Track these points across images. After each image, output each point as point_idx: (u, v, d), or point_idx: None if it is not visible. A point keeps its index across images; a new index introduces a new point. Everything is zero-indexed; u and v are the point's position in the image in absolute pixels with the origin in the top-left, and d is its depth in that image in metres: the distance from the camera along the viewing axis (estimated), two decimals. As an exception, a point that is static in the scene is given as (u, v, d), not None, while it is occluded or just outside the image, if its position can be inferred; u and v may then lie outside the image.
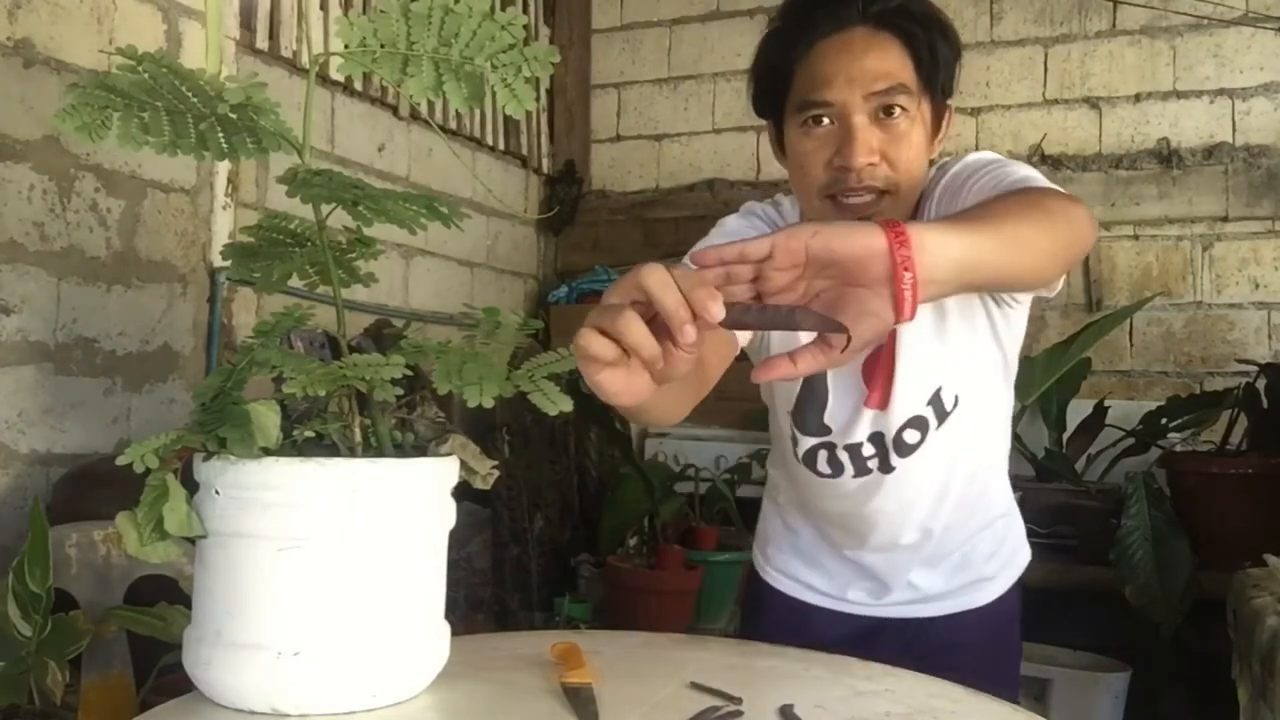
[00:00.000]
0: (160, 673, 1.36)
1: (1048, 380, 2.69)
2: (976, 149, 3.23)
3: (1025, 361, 2.80)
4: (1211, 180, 3.01)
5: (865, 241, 0.74)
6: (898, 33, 1.12)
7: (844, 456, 1.32)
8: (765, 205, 1.35)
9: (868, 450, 1.31)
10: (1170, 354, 3.07)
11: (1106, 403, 2.86)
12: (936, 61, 1.14)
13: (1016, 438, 2.82)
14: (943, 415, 1.29)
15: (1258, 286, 2.99)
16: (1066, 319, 3.14)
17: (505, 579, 2.90)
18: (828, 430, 1.32)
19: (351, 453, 1.04)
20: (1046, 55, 3.23)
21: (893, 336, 1.23)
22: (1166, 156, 3.07)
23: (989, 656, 1.36)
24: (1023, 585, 1.45)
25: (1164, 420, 2.73)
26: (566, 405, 1.02)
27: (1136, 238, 3.11)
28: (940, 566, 1.39)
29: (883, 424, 1.29)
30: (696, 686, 1.09)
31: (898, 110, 1.12)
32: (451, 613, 1.08)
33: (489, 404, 0.95)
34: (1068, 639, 2.58)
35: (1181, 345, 3.06)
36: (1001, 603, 1.41)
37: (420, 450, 1.09)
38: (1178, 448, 2.67)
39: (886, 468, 1.32)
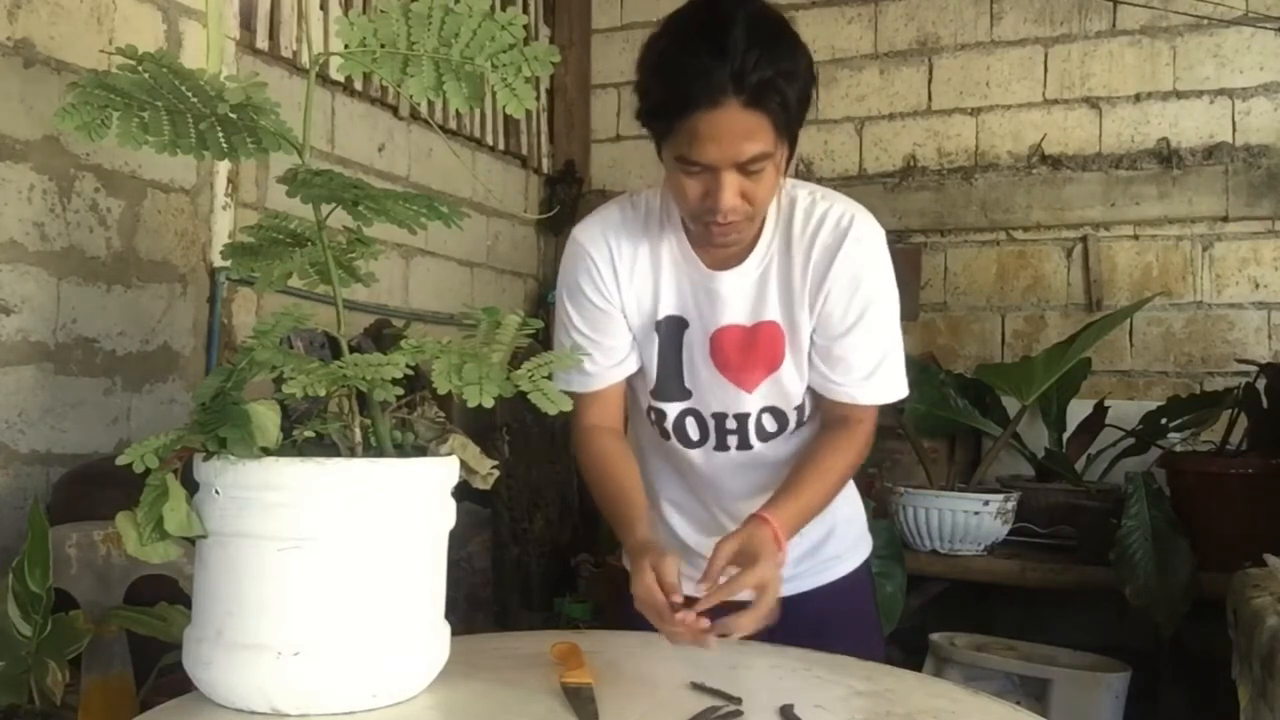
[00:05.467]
0: (160, 673, 1.36)
1: (1048, 380, 2.68)
2: (976, 149, 3.29)
3: (1025, 361, 2.83)
4: (1211, 180, 3.01)
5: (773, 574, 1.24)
6: (766, 109, 1.24)
7: (711, 423, 1.48)
8: (625, 206, 1.47)
9: (731, 424, 1.47)
10: (1170, 354, 3.07)
11: (1106, 403, 2.86)
12: (794, 117, 1.28)
13: (1016, 437, 2.83)
14: (801, 418, 1.48)
15: (1258, 286, 2.99)
16: (1066, 319, 3.14)
17: (505, 579, 2.90)
18: (688, 394, 1.47)
19: (351, 453, 1.04)
20: (1046, 55, 3.23)
21: (780, 339, 1.44)
22: (1166, 156, 3.07)
23: (850, 630, 1.51)
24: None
25: (1164, 420, 2.72)
26: (566, 405, 1.02)
27: (1136, 238, 3.11)
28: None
29: (749, 405, 1.46)
30: (696, 686, 1.09)
31: (758, 165, 1.28)
32: (451, 613, 1.08)
33: (489, 404, 0.95)
34: (1068, 639, 2.58)
35: (1181, 345, 3.06)
36: (855, 576, 1.60)
37: (420, 450, 1.09)
38: (1178, 448, 2.66)
39: (745, 445, 1.49)
